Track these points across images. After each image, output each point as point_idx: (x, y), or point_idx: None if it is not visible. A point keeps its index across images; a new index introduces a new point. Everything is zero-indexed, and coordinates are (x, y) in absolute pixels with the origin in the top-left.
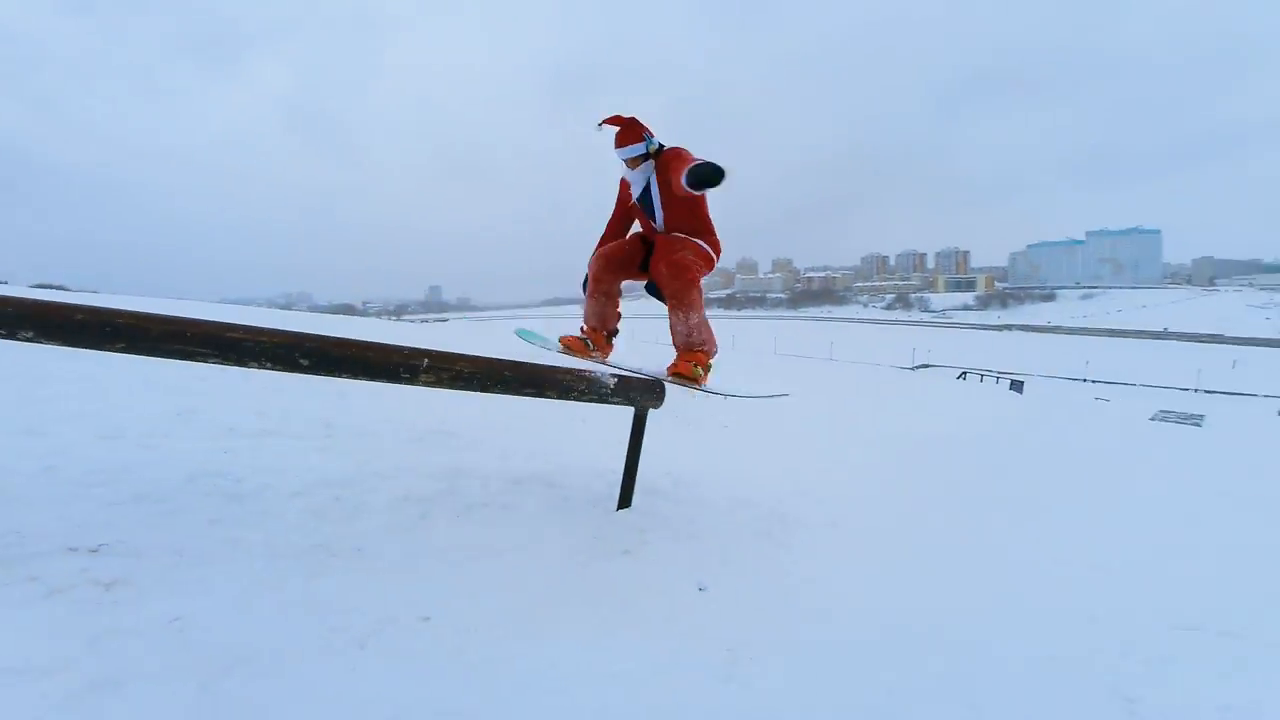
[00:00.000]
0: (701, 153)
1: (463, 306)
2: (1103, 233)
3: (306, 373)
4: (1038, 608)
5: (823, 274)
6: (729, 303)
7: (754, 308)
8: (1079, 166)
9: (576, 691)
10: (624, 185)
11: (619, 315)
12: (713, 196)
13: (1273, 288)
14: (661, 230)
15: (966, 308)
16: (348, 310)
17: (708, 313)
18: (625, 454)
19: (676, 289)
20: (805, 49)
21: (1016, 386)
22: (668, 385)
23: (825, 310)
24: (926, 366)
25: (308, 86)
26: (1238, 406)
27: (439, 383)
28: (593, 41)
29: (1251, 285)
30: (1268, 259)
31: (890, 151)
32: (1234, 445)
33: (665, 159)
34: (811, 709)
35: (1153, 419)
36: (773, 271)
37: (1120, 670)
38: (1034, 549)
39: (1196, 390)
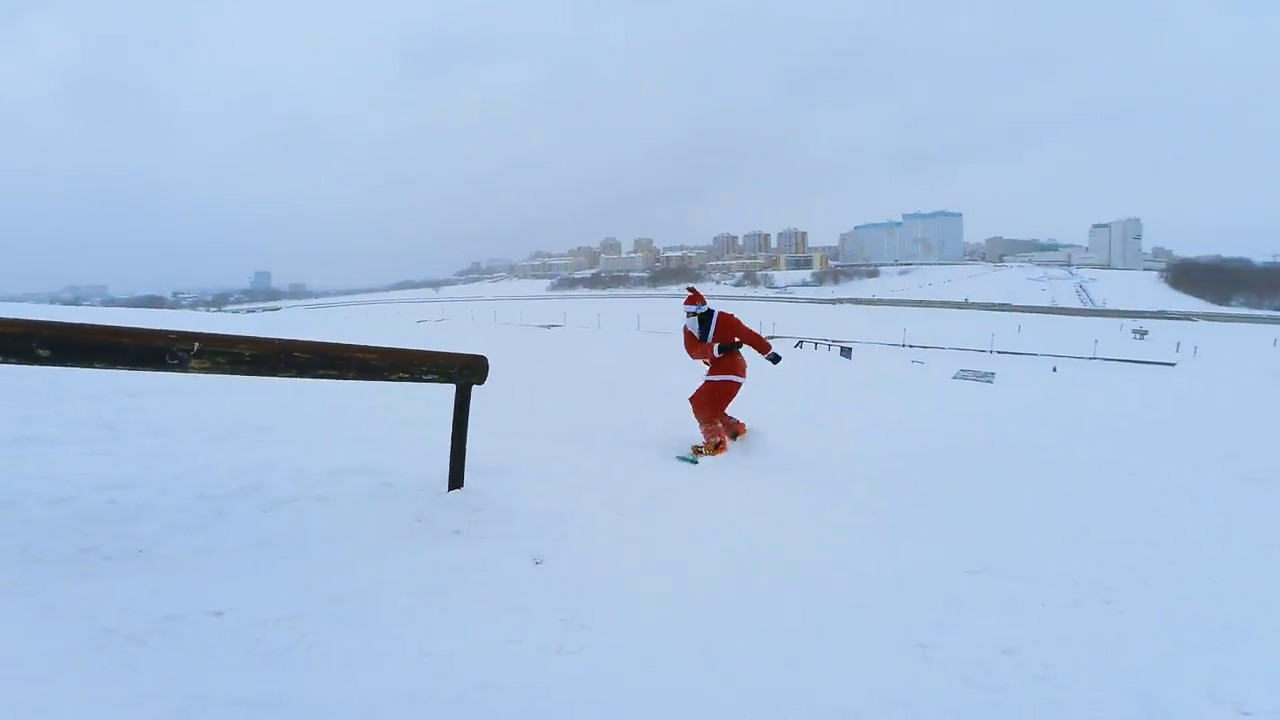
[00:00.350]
0: (567, 125)
1: (297, 294)
2: (916, 215)
3: (48, 364)
4: (834, 560)
5: (680, 254)
6: (594, 283)
7: (617, 287)
8: (901, 154)
9: (389, 674)
10: (686, 330)
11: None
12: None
13: (1046, 264)
14: (707, 342)
15: (805, 284)
16: (154, 303)
17: (577, 292)
18: (451, 433)
19: (697, 415)
20: (663, 36)
21: (846, 353)
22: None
23: (683, 288)
24: (773, 338)
25: (103, 54)
26: (1022, 364)
27: (215, 368)
28: (447, 9)
29: (1031, 261)
30: (1043, 239)
31: (740, 136)
32: (1017, 396)
33: (724, 316)
34: (643, 671)
35: (955, 378)
36: (635, 251)
37: (917, 616)
38: (843, 502)
39: (990, 351)
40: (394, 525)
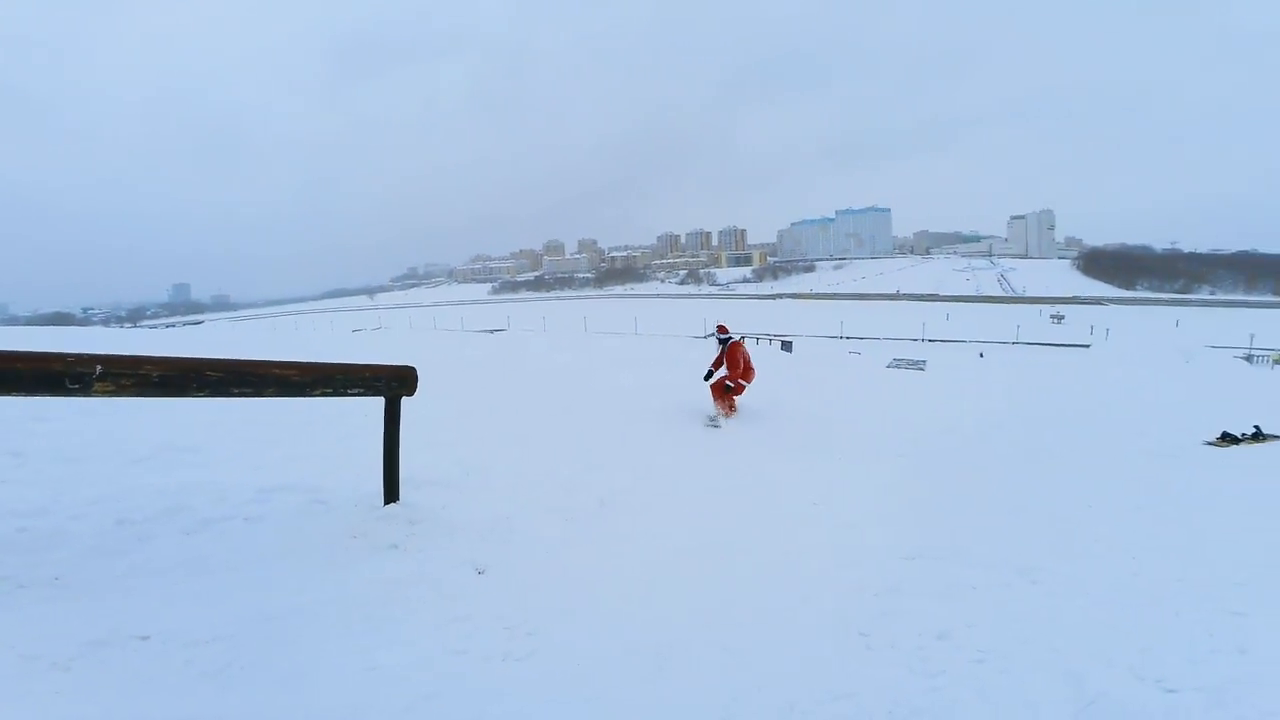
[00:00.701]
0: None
1: (220, 306)
2: (848, 211)
3: None
4: (779, 553)
5: (625, 253)
6: (538, 285)
7: (562, 289)
8: (834, 150)
9: (333, 690)
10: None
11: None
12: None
13: (970, 255)
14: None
15: (746, 280)
16: (61, 320)
17: (521, 295)
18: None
19: (714, 394)
20: (604, 35)
21: (787, 347)
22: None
23: (628, 288)
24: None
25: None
26: (951, 351)
27: (121, 391)
28: (378, 7)
29: (955, 253)
30: (966, 231)
31: (682, 135)
32: (946, 383)
33: (733, 345)
34: (596, 674)
35: (889, 366)
36: (579, 252)
37: (858, 606)
38: (788, 495)
39: (921, 339)
40: (328, 542)
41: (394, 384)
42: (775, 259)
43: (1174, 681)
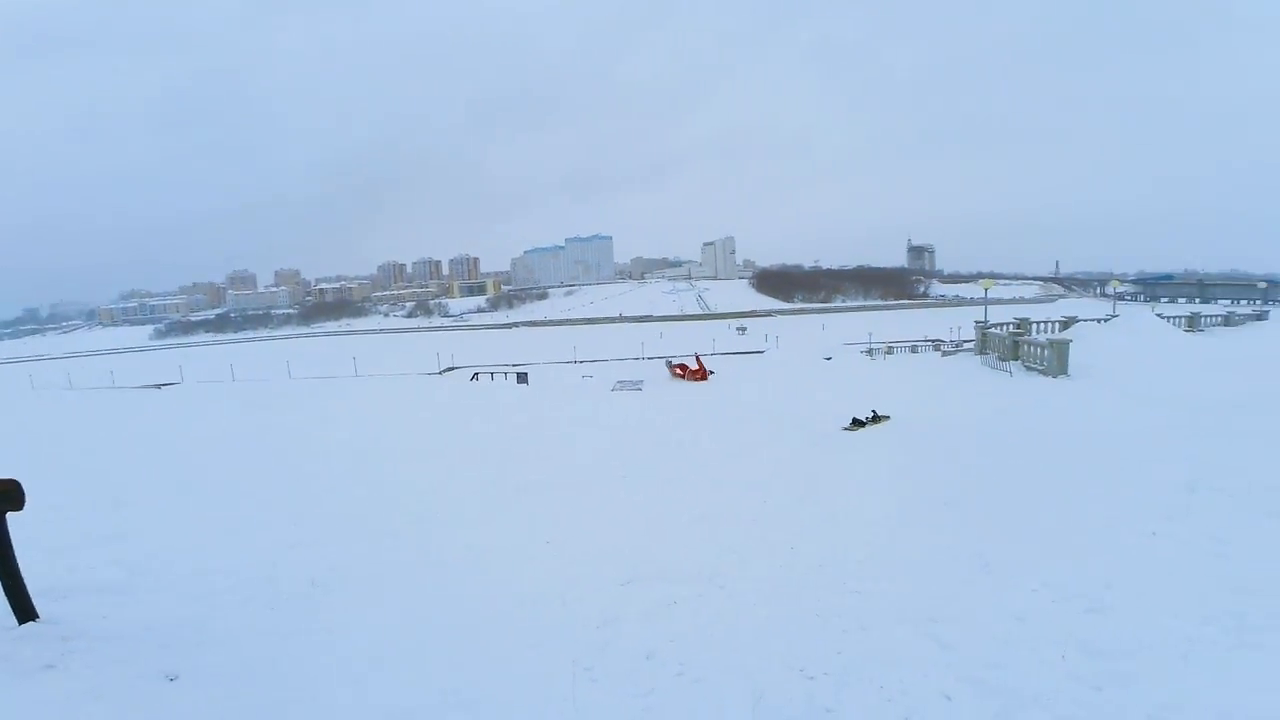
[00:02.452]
0: None
1: None
2: (576, 239)
3: None
4: (493, 586)
5: (337, 284)
6: (221, 325)
7: (255, 328)
8: (574, 184)
9: None
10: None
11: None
12: None
13: (675, 278)
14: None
15: (480, 310)
16: None
17: (197, 338)
18: None
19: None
20: (354, 43)
21: (523, 379)
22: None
23: (344, 323)
24: (452, 369)
25: None
26: (663, 367)
27: None
28: None
29: (664, 277)
30: (671, 257)
31: (422, 161)
32: (659, 401)
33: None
34: None
35: (613, 390)
36: (276, 285)
37: (579, 636)
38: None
39: (641, 358)
40: None
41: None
42: (509, 287)
43: (813, 669)
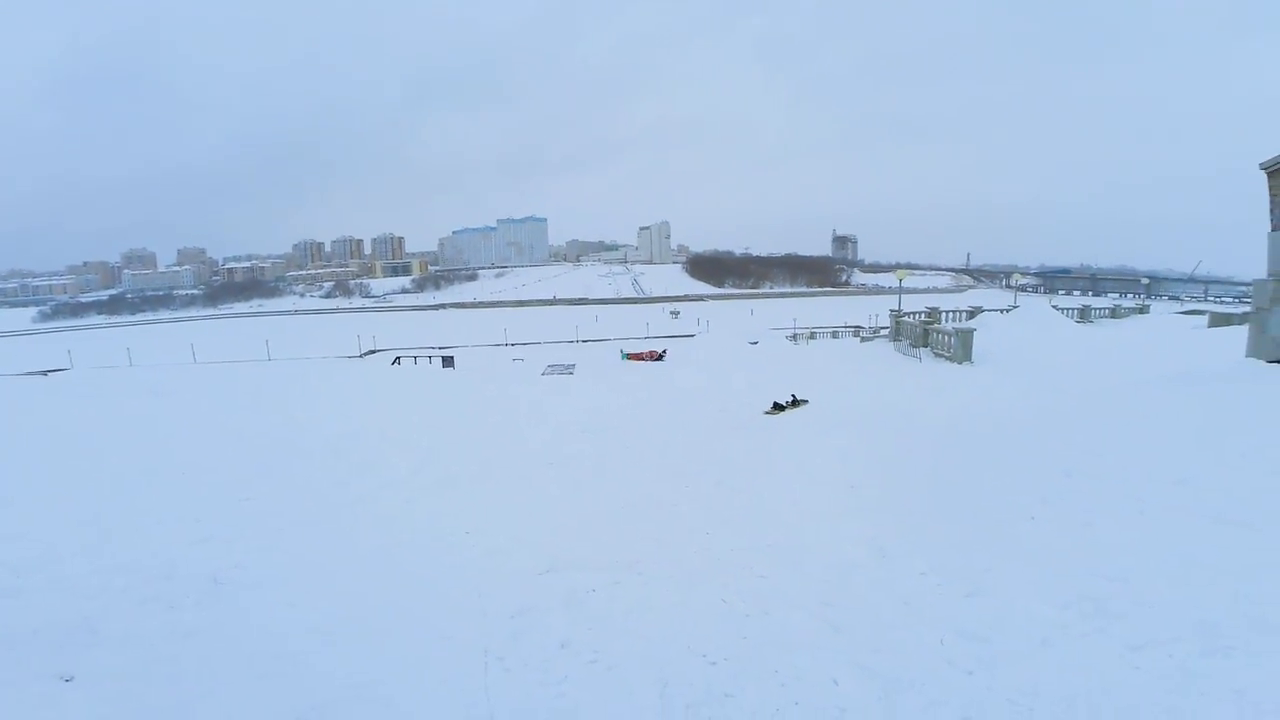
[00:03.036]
0: None
1: None
2: (509, 220)
3: None
4: (406, 579)
5: (248, 264)
6: (115, 306)
7: (155, 309)
8: (512, 165)
9: None
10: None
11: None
12: None
13: (610, 262)
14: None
15: (405, 291)
16: None
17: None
18: None
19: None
20: (285, 8)
21: (449, 362)
22: None
23: (255, 304)
24: (374, 352)
25: None
26: (599, 350)
27: None
28: None
29: (600, 260)
30: (608, 240)
31: (354, 136)
32: (591, 385)
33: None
34: None
35: (544, 374)
36: (180, 264)
37: (493, 628)
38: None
39: (575, 341)
40: None
41: None
42: (437, 268)
43: (715, 655)
